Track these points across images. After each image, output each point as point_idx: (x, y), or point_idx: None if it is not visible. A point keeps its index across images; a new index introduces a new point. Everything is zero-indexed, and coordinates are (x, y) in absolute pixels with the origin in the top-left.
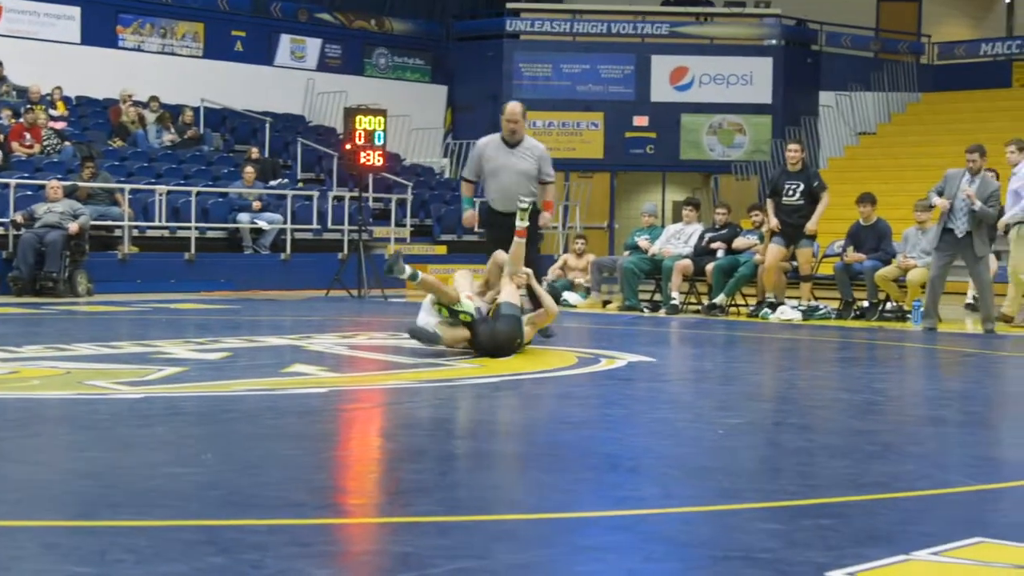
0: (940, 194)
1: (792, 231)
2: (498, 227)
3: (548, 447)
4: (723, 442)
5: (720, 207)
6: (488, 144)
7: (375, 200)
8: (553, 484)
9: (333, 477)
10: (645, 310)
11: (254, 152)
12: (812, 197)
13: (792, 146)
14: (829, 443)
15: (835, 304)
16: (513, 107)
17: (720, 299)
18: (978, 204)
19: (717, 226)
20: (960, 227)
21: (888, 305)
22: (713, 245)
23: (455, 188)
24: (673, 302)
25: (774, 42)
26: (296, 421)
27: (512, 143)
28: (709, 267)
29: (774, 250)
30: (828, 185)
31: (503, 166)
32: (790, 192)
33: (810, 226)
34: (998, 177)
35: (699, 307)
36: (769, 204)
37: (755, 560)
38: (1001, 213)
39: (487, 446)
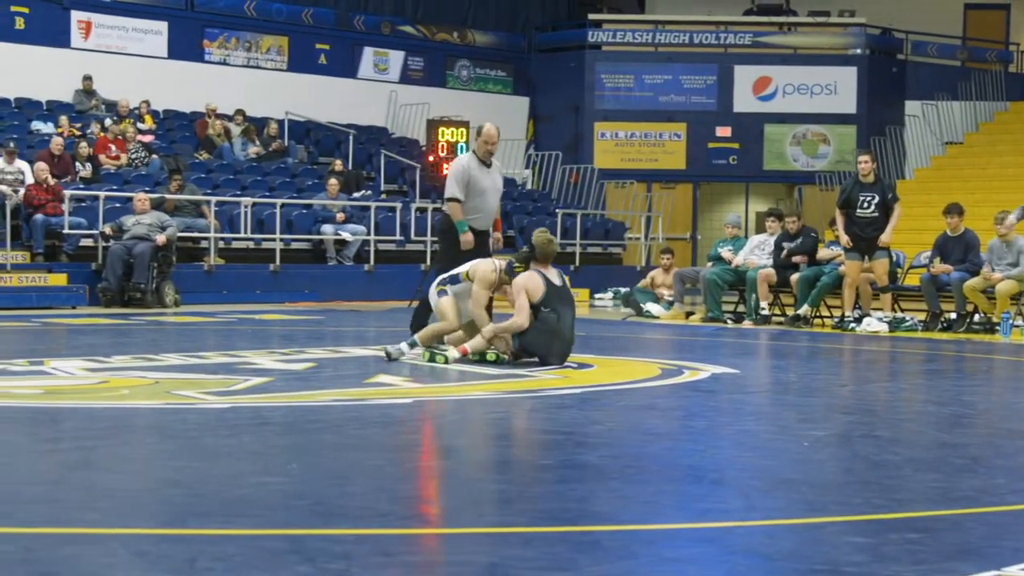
0: None
1: (866, 244)
2: (474, 243)
3: (631, 459)
4: (808, 454)
5: (790, 215)
6: (471, 165)
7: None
8: (637, 496)
9: (418, 487)
10: (728, 321)
11: (338, 164)
12: (886, 209)
13: (864, 157)
14: (916, 456)
15: (922, 316)
16: (492, 131)
17: (804, 310)
18: None
19: (791, 234)
20: None
21: (976, 317)
22: (795, 259)
23: (537, 199)
24: (763, 312)
25: (858, 51)
26: (380, 431)
27: (488, 164)
28: (794, 278)
29: (852, 266)
30: (901, 196)
31: (488, 187)
32: (865, 204)
33: (884, 238)
34: None
35: (783, 318)
36: (840, 217)
37: (842, 574)
38: None
39: (570, 457)
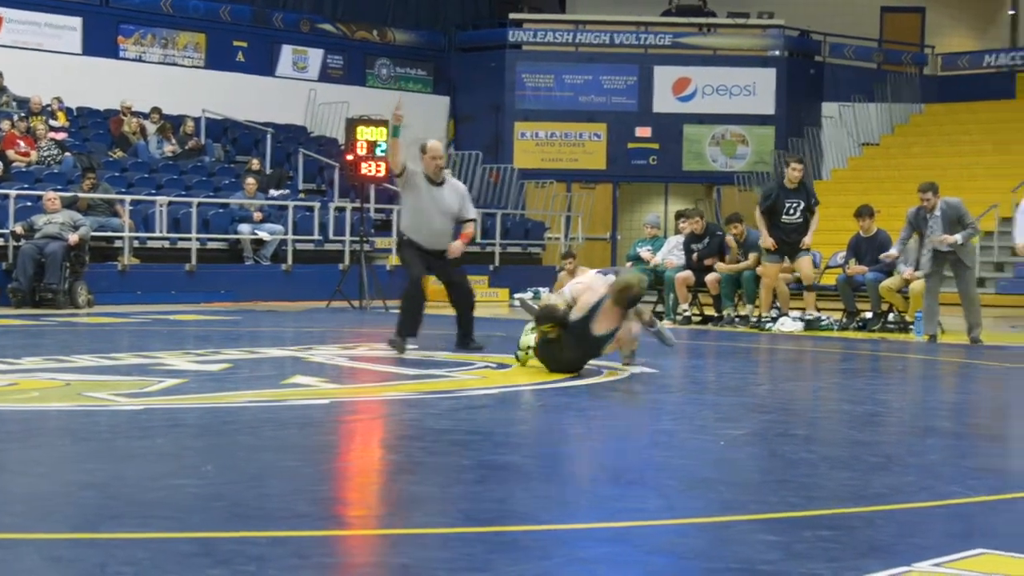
0: (906, 239)
1: (790, 248)
2: (422, 259)
3: (550, 459)
4: (725, 453)
5: (691, 216)
6: (419, 180)
7: (377, 211)
8: (555, 496)
9: (334, 489)
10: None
11: (255, 163)
12: (808, 213)
13: (797, 165)
14: (831, 454)
15: (838, 315)
16: (436, 145)
17: (729, 310)
18: (960, 238)
19: (697, 235)
20: (927, 260)
21: (891, 316)
22: (707, 262)
23: None
24: (685, 313)
25: (777, 53)
26: (297, 433)
27: (437, 182)
28: (710, 278)
29: (771, 268)
30: (819, 197)
31: (429, 207)
32: (791, 211)
33: (807, 240)
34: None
35: (700, 318)
36: (762, 221)
37: (755, 572)
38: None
39: (488, 457)
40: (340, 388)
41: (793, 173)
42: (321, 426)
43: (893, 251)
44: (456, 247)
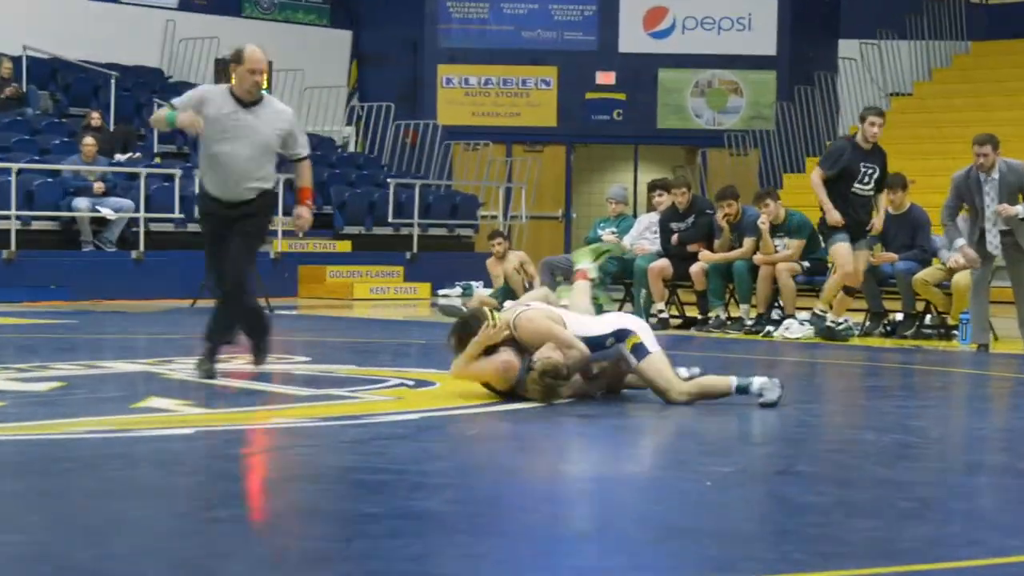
0: (955, 211)
1: (857, 228)
2: (215, 220)
3: (483, 504)
4: (711, 496)
5: (677, 186)
6: (215, 96)
7: None
8: (490, 553)
9: (201, 546)
10: None
11: (95, 117)
12: (880, 186)
13: (876, 119)
14: (849, 498)
15: (859, 317)
16: (257, 53)
17: (718, 311)
18: (1020, 208)
19: (680, 211)
20: (994, 243)
21: (928, 318)
22: (691, 248)
23: (363, 165)
24: (661, 314)
25: None
26: (152, 472)
27: (249, 102)
28: (696, 269)
29: (856, 253)
30: None
31: (235, 134)
32: (865, 179)
33: (877, 223)
34: None
35: (681, 320)
36: (823, 191)
37: None
38: None
39: (405, 503)
40: (209, 414)
41: (872, 129)
42: (183, 464)
43: (961, 240)
44: (305, 217)
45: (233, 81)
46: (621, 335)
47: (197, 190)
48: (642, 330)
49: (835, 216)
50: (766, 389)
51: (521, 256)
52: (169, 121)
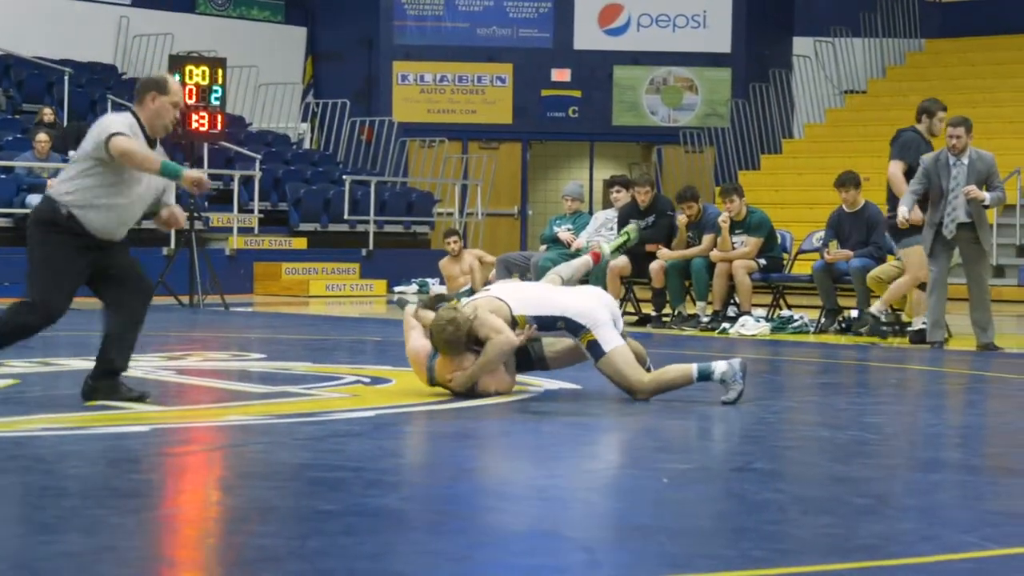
0: (921, 195)
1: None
2: (87, 255)
3: (440, 502)
4: (667, 493)
5: (641, 184)
6: (136, 130)
7: (212, 177)
8: (446, 550)
9: (154, 545)
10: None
11: (48, 114)
12: None
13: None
14: (805, 494)
15: (814, 314)
16: (176, 86)
17: (679, 308)
18: (987, 196)
19: (640, 209)
20: (950, 227)
21: (883, 316)
22: (650, 248)
23: (318, 162)
24: None
25: None
26: (107, 471)
27: (155, 139)
28: (655, 267)
29: (924, 258)
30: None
31: (140, 177)
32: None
33: (914, 217)
34: None
35: (636, 317)
36: (903, 183)
37: None
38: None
39: (360, 500)
40: (164, 411)
41: (940, 126)
42: (138, 462)
43: (904, 209)
44: (179, 214)
45: (144, 111)
46: (573, 327)
47: (56, 213)
48: (600, 324)
49: (917, 214)
50: (727, 377)
51: (478, 253)
52: (171, 173)
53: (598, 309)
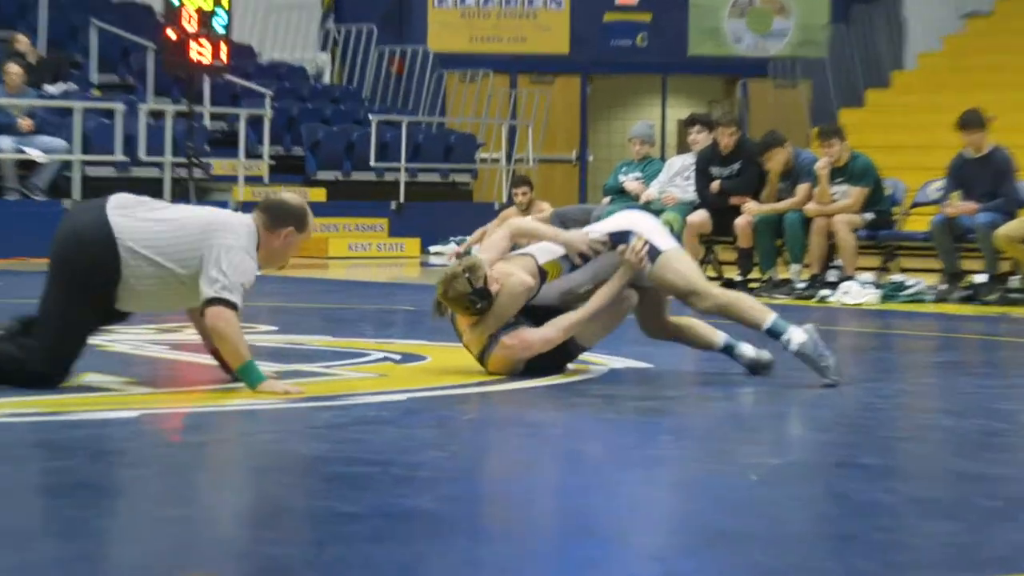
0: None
1: None
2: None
3: (484, 503)
4: (757, 493)
5: (726, 123)
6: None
7: (214, 117)
8: (493, 560)
9: (145, 552)
10: None
11: (22, 41)
12: None
13: None
14: (923, 495)
15: (933, 279)
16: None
17: (769, 273)
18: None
19: (722, 154)
20: None
21: (1015, 280)
22: (735, 201)
23: (339, 99)
24: None
25: None
26: (87, 464)
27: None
28: (740, 222)
29: None
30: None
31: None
32: None
33: None
34: None
35: (719, 283)
36: None
37: None
38: None
39: (390, 501)
40: (155, 393)
41: None
42: (125, 453)
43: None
44: None
45: (269, 242)
46: (620, 239)
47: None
48: (648, 229)
49: None
50: (808, 351)
51: (546, 206)
52: (250, 380)
53: (644, 219)
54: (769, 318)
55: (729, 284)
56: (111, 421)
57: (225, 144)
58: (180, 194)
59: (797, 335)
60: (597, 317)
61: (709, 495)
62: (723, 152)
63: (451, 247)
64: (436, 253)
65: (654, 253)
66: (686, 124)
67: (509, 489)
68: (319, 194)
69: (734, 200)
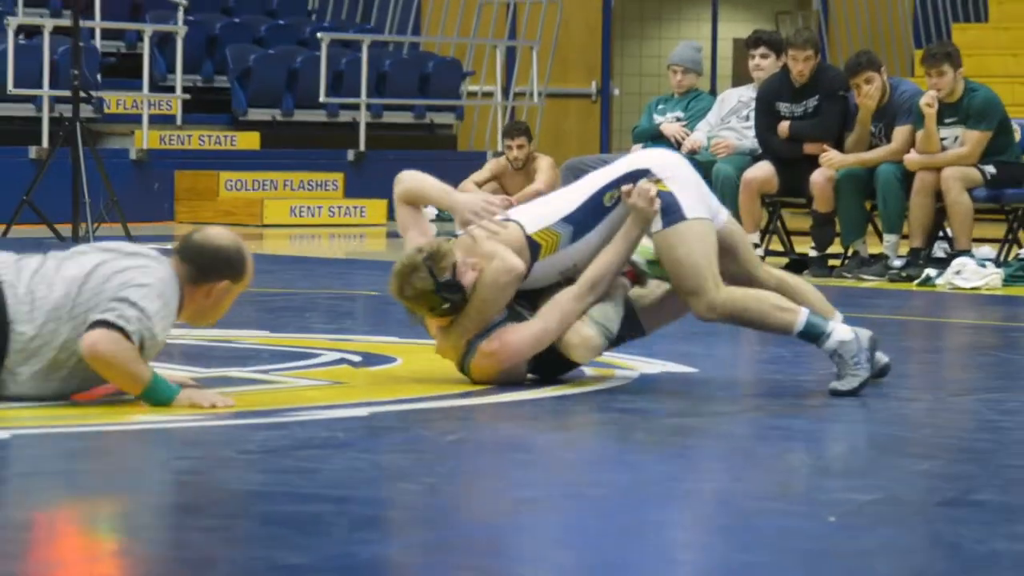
0: None
1: None
2: None
3: (471, 551)
4: (836, 541)
5: (800, 45)
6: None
7: (108, 36)
8: None
9: None
10: None
11: None
12: None
13: None
14: None
15: None
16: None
17: (856, 246)
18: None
19: (796, 86)
20: None
21: None
22: (809, 149)
23: (276, 10)
24: (756, 251)
25: None
26: None
27: None
28: (817, 178)
29: None
30: None
31: None
32: None
33: None
34: None
35: (787, 259)
36: None
37: None
38: None
39: (346, 548)
40: (29, 409)
41: None
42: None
43: None
44: None
45: (197, 296)
46: (636, 176)
47: None
48: (677, 176)
49: None
50: (846, 353)
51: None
52: (168, 398)
53: (673, 161)
54: (800, 317)
55: (799, 263)
56: None
57: (123, 73)
58: (63, 139)
59: (842, 331)
60: (602, 286)
61: (772, 541)
62: (795, 83)
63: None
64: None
65: (672, 215)
66: (747, 45)
67: (503, 534)
68: (250, 140)
69: (808, 148)
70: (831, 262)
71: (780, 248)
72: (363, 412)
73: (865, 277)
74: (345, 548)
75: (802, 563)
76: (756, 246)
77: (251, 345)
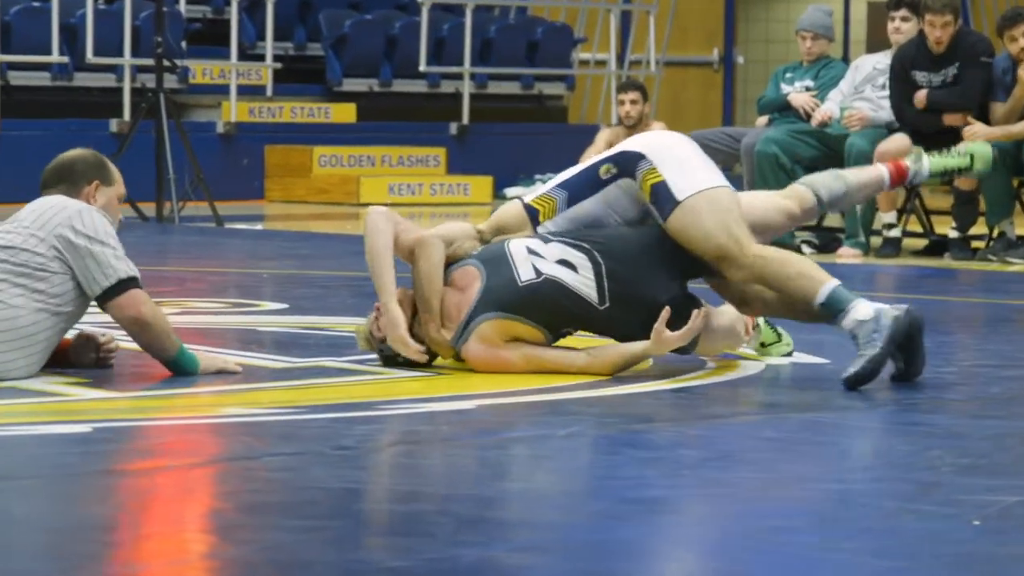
0: None
1: None
2: None
3: (584, 554)
4: (983, 542)
5: (938, 10)
6: None
7: (192, 1)
8: None
9: None
10: (805, 248)
11: None
12: None
13: None
14: None
15: None
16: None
17: (1003, 226)
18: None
19: (934, 53)
20: None
21: None
22: (949, 119)
23: None
24: (892, 232)
25: None
26: (22, 499)
27: None
28: (962, 148)
29: None
30: None
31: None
32: None
33: None
34: None
35: (927, 240)
36: None
37: None
38: None
39: (449, 551)
40: (118, 399)
41: None
42: (73, 483)
43: None
44: None
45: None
46: (625, 162)
47: None
48: (673, 160)
49: None
50: (860, 334)
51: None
52: (194, 366)
53: (675, 146)
54: (824, 288)
55: (939, 245)
56: (55, 438)
57: (209, 41)
58: (146, 112)
59: (863, 308)
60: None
61: (912, 547)
62: (933, 50)
63: (536, 188)
64: (513, 198)
65: (667, 202)
66: (888, 7)
67: (625, 537)
68: (346, 112)
69: (948, 120)
70: (974, 244)
71: (919, 229)
72: (469, 405)
73: (1012, 260)
74: (448, 550)
75: (945, 569)
76: (892, 226)
77: (346, 333)
